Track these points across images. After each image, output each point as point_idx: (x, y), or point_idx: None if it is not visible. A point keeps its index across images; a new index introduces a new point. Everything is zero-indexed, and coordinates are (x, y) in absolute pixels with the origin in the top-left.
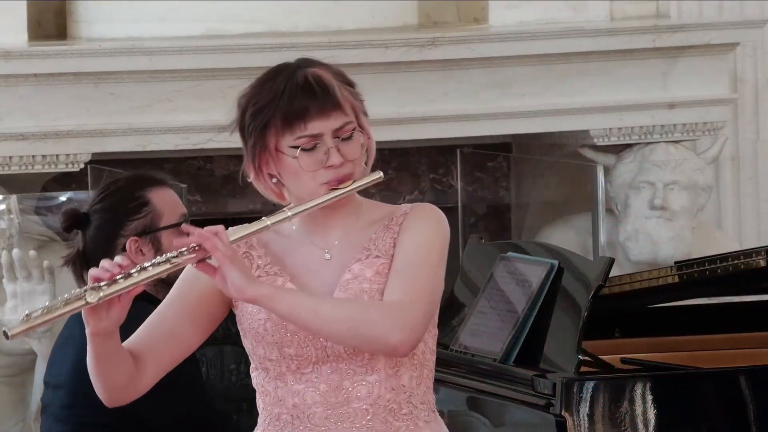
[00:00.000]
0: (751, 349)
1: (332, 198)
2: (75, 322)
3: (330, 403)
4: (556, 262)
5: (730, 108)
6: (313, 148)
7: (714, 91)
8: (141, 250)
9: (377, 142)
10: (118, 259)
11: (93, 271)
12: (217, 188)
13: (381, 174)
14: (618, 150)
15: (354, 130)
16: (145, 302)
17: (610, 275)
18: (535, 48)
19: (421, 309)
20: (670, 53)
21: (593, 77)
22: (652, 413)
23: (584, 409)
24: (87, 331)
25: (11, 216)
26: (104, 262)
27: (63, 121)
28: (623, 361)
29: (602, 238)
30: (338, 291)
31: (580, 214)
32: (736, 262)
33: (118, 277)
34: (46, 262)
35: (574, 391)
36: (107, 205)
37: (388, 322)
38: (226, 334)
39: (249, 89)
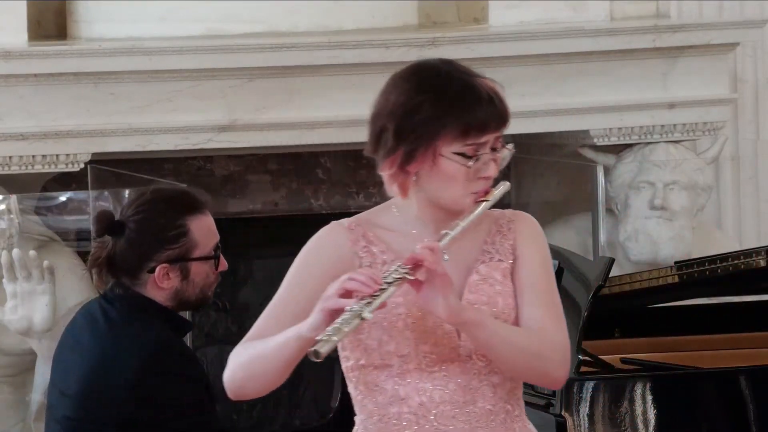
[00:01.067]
0: (751, 349)
1: (485, 208)
2: (84, 328)
3: (458, 402)
4: (556, 262)
5: (730, 108)
6: (477, 158)
7: (714, 91)
8: (168, 275)
9: None
10: (365, 271)
11: (351, 285)
12: (217, 188)
13: (509, 184)
14: (618, 150)
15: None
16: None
17: (610, 275)
18: (535, 48)
19: (569, 342)
20: (670, 53)
21: (593, 77)
22: (652, 413)
23: (584, 409)
24: (303, 335)
25: (11, 216)
26: (358, 276)
27: (63, 121)
28: (623, 361)
29: (602, 238)
30: (467, 292)
31: (580, 214)
32: (736, 262)
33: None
34: (46, 262)
35: (574, 391)
36: (146, 226)
37: (557, 358)
38: (226, 334)
39: (409, 91)
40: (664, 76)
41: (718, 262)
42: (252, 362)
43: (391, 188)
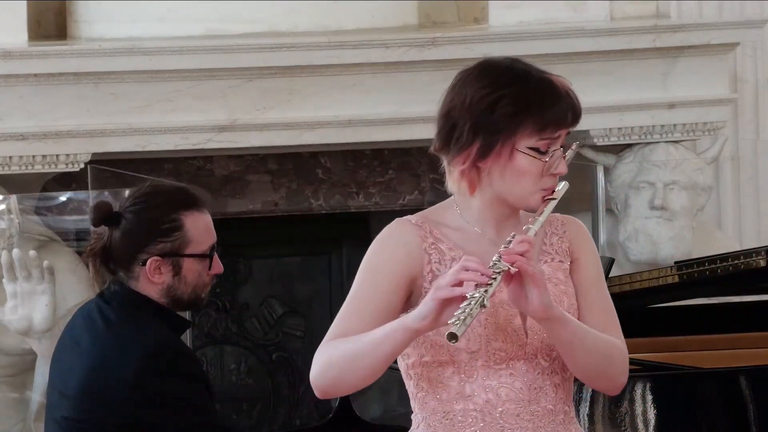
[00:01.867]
0: (751, 349)
1: (555, 204)
2: (82, 328)
3: (523, 401)
4: None
5: (730, 108)
6: (551, 154)
7: (714, 91)
8: (159, 269)
9: (377, 142)
10: (475, 259)
11: (466, 275)
12: (217, 188)
13: (567, 183)
14: (618, 150)
15: None
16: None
17: (610, 275)
18: (535, 48)
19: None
20: (670, 53)
21: (593, 77)
22: (652, 413)
23: (584, 409)
24: (410, 327)
25: (11, 216)
26: (472, 265)
27: (63, 121)
28: None
29: (602, 238)
30: None
31: (580, 214)
32: (736, 262)
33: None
34: (46, 262)
35: (574, 391)
36: (142, 218)
37: (621, 365)
38: (226, 334)
39: (487, 86)
40: (664, 76)
41: (718, 262)
42: (347, 359)
43: (460, 185)
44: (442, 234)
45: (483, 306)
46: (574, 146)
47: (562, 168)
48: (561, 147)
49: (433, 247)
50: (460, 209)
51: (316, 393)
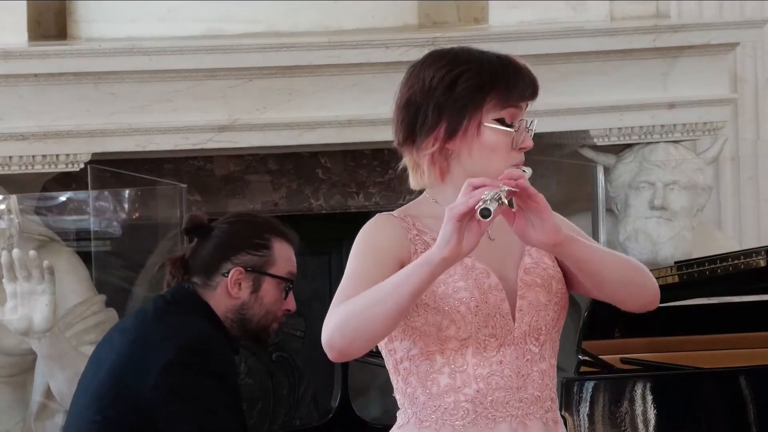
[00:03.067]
0: (751, 349)
1: (529, 175)
2: (132, 315)
3: (511, 388)
4: None
5: (730, 108)
6: (517, 128)
7: (714, 91)
8: (239, 283)
9: (377, 142)
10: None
11: (476, 181)
12: (217, 188)
13: (531, 170)
14: (618, 150)
15: None
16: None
17: None
18: (535, 48)
19: None
20: (670, 53)
21: (593, 77)
22: (652, 413)
23: (584, 409)
24: (434, 259)
25: (11, 216)
26: (475, 181)
27: (63, 121)
28: (623, 361)
29: (602, 238)
30: (522, 273)
31: (580, 214)
32: (736, 262)
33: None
34: (46, 262)
35: (574, 391)
36: (235, 229)
37: (647, 272)
38: None
39: (446, 66)
40: (664, 76)
41: (718, 262)
42: (366, 308)
43: (430, 173)
44: (424, 225)
45: (501, 202)
46: (535, 121)
47: (528, 142)
48: (523, 120)
49: (417, 238)
50: (436, 199)
51: (331, 355)
